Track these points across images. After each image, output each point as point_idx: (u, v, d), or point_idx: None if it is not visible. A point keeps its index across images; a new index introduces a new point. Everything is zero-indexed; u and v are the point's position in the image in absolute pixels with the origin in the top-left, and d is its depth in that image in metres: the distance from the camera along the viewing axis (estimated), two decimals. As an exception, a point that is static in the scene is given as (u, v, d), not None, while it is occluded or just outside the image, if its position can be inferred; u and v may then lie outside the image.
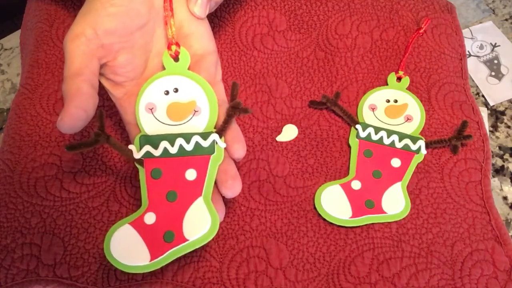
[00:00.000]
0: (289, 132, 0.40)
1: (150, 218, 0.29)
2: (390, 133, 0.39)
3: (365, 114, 0.40)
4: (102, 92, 0.32)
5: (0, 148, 0.39)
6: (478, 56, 0.47)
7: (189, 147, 0.30)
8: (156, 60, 0.33)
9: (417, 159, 0.38)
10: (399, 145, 0.38)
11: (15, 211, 0.36)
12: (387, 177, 0.37)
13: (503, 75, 0.46)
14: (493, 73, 0.46)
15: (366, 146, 0.39)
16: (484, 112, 0.44)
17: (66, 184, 0.37)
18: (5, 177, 0.37)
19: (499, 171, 0.41)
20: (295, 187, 0.38)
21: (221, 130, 0.31)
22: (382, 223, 0.36)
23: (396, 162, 0.38)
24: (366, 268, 0.35)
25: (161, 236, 0.29)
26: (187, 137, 0.30)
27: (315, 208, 0.36)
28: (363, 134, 0.39)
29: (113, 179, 0.38)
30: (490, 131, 0.43)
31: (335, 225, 0.36)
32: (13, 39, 0.50)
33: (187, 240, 0.29)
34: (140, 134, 0.31)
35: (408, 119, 0.40)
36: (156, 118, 0.31)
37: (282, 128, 0.40)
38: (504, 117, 0.44)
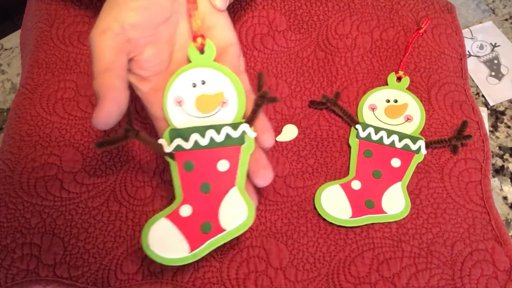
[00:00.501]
0: (289, 132, 0.40)
1: (186, 211, 0.29)
2: (390, 133, 0.39)
3: (365, 114, 0.40)
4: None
5: (0, 148, 0.39)
6: (478, 56, 0.47)
7: (219, 138, 0.30)
8: (180, 53, 0.32)
9: (417, 159, 0.38)
10: (399, 145, 0.38)
11: (15, 211, 0.36)
12: (387, 177, 0.37)
13: (503, 75, 0.46)
14: (493, 73, 0.46)
15: (366, 146, 0.39)
16: (484, 112, 0.44)
17: (66, 184, 0.37)
18: (5, 177, 0.37)
19: (499, 171, 0.41)
20: (295, 187, 0.38)
21: (250, 120, 0.31)
22: (382, 223, 0.36)
23: (396, 162, 0.38)
24: (366, 268, 0.35)
25: (199, 228, 0.29)
26: (217, 128, 0.30)
27: (315, 208, 0.36)
28: (363, 134, 0.39)
29: (113, 179, 0.38)
30: (490, 131, 0.43)
31: (335, 225, 0.36)
32: (13, 39, 0.50)
33: (225, 230, 0.29)
34: (169, 128, 0.31)
35: (408, 119, 0.39)
36: (184, 111, 0.31)
37: (282, 128, 0.40)
38: (504, 117, 0.44)
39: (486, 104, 0.45)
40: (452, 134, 0.39)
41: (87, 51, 0.43)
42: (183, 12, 0.32)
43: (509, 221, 0.39)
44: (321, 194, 0.37)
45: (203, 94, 0.31)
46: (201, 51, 0.32)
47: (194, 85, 0.31)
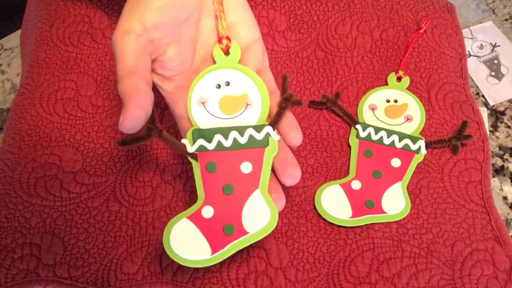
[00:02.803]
0: (289, 132, 0.40)
1: (208, 212, 0.29)
2: (390, 133, 0.39)
3: (365, 114, 0.40)
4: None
5: (0, 148, 0.39)
6: (478, 56, 0.47)
7: (243, 140, 0.30)
8: (203, 51, 0.32)
9: (417, 159, 0.38)
10: (399, 145, 0.38)
11: (15, 211, 0.36)
12: (387, 177, 0.37)
13: (503, 75, 0.46)
14: (493, 73, 0.46)
15: (366, 146, 0.39)
16: (484, 112, 0.44)
17: (66, 184, 0.37)
18: (5, 177, 0.37)
19: (499, 171, 0.41)
20: (295, 187, 0.38)
21: (274, 123, 0.31)
22: (382, 223, 0.36)
23: (396, 162, 0.38)
24: (366, 268, 0.35)
25: (221, 229, 0.29)
26: (241, 130, 0.30)
27: (315, 208, 0.36)
28: (363, 134, 0.39)
29: (113, 179, 0.38)
30: (490, 131, 0.43)
31: (335, 225, 0.36)
32: (13, 39, 0.50)
33: (248, 232, 0.29)
34: (192, 128, 0.31)
35: (408, 119, 0.39)
36: (208, 112, 0.31)
37: (282, 128, 0.40)
38: (504, 117, 0.44)
39: (486, 104, 0.45)
40: (452, 134, 0.39)
41: (87, 51, 0.43)
42: (204, 9, 0.32)
43: (509, 221, 0.39)
44: (321, 194, 0.37)
45: (227, 95, 0.31)
46: (226, 52, 0.32)
47: (219, 86, 0.31)
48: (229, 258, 0.35)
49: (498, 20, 0.49)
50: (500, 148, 0.42)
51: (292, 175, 0.30)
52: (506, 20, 0.49)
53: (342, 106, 0.40)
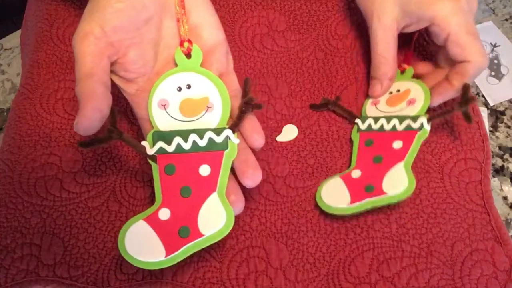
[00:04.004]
0: (289, 132, 0.40)
1: (164, 214, 0.29)
2: (389, 118, 0.37)
3: (368, 110, 0.40)
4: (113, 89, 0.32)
5: (0, 148, 0.40)
6: (478, 56, 0.47)
7: (202, 143, 0.30)
8: (165, 53, 0.32)
9: (420, 136, 0.36)
10: (400, 127, 0.37)
11: (15, 211, 0.36)
12: (388, 159, 0.36)
13: (503, 75, 0.46)
14: (493, 73, 0.46)
15: (367, 136, 0.38)
16: (484, 112, 0.44)
17: (66, 184, 0.37)
18: (5, 177, 0.37)
19: (499, 171, 0.41)
20: (295, 187, 0.38)
21: (234, 126, 0.31)
22: (382, 223, 0.36)
23: (397, 144, 0.36)
24: (366, 268, 0.35)
25: (176, 232, 0.29)
26: (201, 133, 0.30)
27: (316, 205, 0.36)
28: (363, 126, 0.38)
29: (113, 179, 0.38)
30: (490, 131, 0.43)
31: (336, 219, 0.36)
32: (13, 39, 0.50)
33: (203, 235, 0.29)
34: (153, 131, 0.31)
35: (411, 102, 0.38)
36: (169, 114, 0.31)
37: (282, 128, 0.40)
38: (504, 117, 0.44)
39: (486, 104, 0.45)
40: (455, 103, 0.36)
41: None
42: (166, 11, 0.32)
43: (509, 221, 0.39)
44: (321, 188, 0.36)
45: (188, 98, 0.31)
46: (188, 55, 0.32)
47: (180, 89, 0.32)
48: (229, 258, 0.35)
49: (498, 20, 0.49)
50: (500, 148, 0.42)
51: (253, 177, 0.30)
52: (506, 20, 0.49)
53: (342, 105, 0.40)
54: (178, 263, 0.34)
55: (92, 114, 0.27)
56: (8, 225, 0.36)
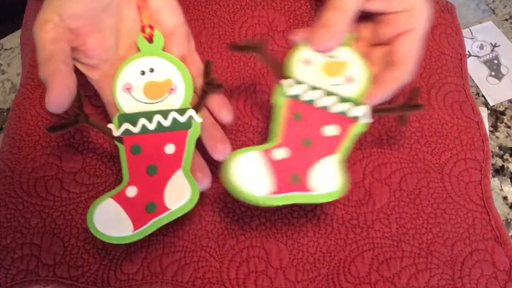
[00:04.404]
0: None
1: (131, 191, 0.31)
2: (327, 93, 0.32)
3: (297, 68, 0.33)
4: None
5: (0, 148, 0.40)
6: (478, 56, 0.47)
7: (166, 123, 0.32)
8: (127, 39, 0.34)
9: (358, 128, 0.31)
10: (337, 108, 0.31)
11: (15, 211, 0.36)
12: (318, 147, 0.31)
13: (503, 75, 0.46)
14: (493, 73, 0.46)
15: (296, 107, 0.32)
16: (484, 112, 0.44)
17: (66, 184, 0.37)
18: (5, 177, 0.37)
19: (499, 171, 0.41)
20: (295, 187, 0.38)
21: (197, 106, 0.32)
22: (382, 223, 0.36)
23: (330, 130, 0.31)
24: (366, 268, 0.35)
25: (143, 208, 0.30)
26: (165, 113, 0.32)
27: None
28: (293, 91, 0.31)
29: (113, 179, 0.38)
30: (490, 131, 0.43)
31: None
32: (13, 39, 0.50)
33: (169, 209, 0.30)
34: (118, 113, 0.32)
35: (349, 79, 0.32)
36: (133, 97, 0.33)
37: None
38: (504, 117, 0.44)
39: (486, 104, 0.45)
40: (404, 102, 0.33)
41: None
42: None
43: (509, 221, 0.39)
44: (231, 163, 0.29)
45: (151, 81, 0.33)
46: (150, 40, 0.33)
47: (143, 73, 0.33)
48: (229, 258, 0.35)
49: (498, 20, 0.49)
50: (500, 148, 0.42)
51: (223, 151, 0.31)
52: (506, 20, 0.49)
53: (269, 54, 0.33)
54: (179, 263, 0.35)
55: (62, 90, 0.28)
56: (8, 225, 0.36)
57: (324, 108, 0.32)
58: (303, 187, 0.30)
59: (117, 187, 0.31)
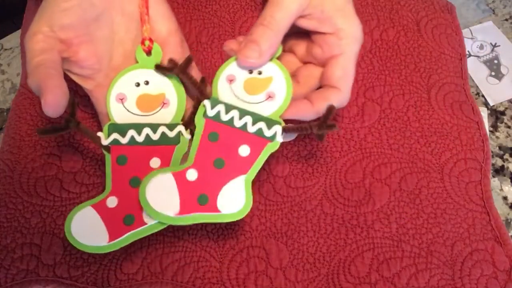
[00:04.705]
0: (288, 132, 0.40)
1: (112, 202, 0.31)
2: (243, 113, 0.31)
3: (221, 87, 0.32)
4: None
5: (0, 148, 0.40)
6: (478, 56, 0.47)
7: (155, 136, 0.32)
8: (121, 49, 0.34)
9: (270, 148, 0.31)
10: (251, 129, 0.31)
11: (15, 211, 0.36)
12: (230, 167, 0.31)
13: (503, 75, 0.46)
14: (493, 73, 0.46)
15: (212, 127, 0.32)
16: (484, 112, 0.44)
17: (66, 184, 0.37)
18: (5, 177, 0.37)
19: (499, 171, 0.41)
20: (295, 187, 0.38)
21: (187, 123, 0.33)
22: (382, 223, 0.36)
23: (244, 150, 0.31)
24: (366, 268, 0.35)
25: (121, 219, 0.30)
26: (154, 127, 0.32)
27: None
28: (211, 113, 0.31)
29: (113, 179, 0.38)
30: (490, 131, 0.43)
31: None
32: (13, 39, 0.50)
33: (146, 224, 0.30)
34: (109, 123, 0.32)
35: (270, 96, 0.32)
36: (126, 108, 0.33)
37: (282, 128, 0.40)
38: (504, 117, 0.44)
39: (486, 104, 0.45)
40: (316, 120, 0.32)
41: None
42: (114, 7, 0.33)
43: (509, 221, 0.39)
44: (146, 184, 0.30)
45: (145, 93, 0.33)
46: (148, 53, 0.34)
47: (138, 85, 0.33)
48: (229, 258, 0.35)
49: (498, 20, 0.49)
50: (500, 148, 0.42)
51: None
52: (506, 20, 0.49)
53: (191, 74, 0.33)
54: (179, 263, 0.35)
55: (57, 92, 0.28)
56: (8, 225, 0.36)
57: (241, 128, 0.31)
58: (211, 208, 0.30)
59: (98, 195, 0.31)
